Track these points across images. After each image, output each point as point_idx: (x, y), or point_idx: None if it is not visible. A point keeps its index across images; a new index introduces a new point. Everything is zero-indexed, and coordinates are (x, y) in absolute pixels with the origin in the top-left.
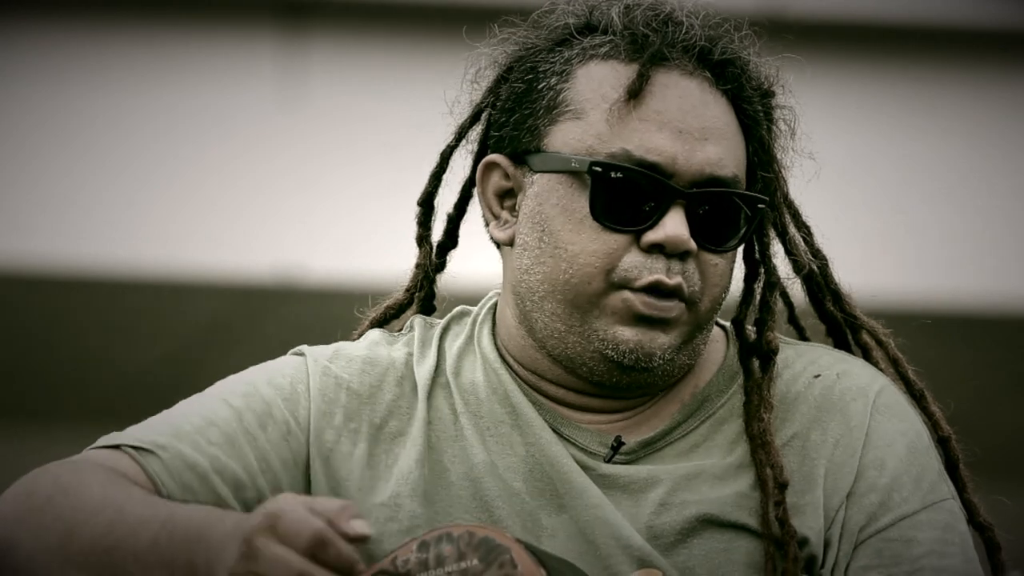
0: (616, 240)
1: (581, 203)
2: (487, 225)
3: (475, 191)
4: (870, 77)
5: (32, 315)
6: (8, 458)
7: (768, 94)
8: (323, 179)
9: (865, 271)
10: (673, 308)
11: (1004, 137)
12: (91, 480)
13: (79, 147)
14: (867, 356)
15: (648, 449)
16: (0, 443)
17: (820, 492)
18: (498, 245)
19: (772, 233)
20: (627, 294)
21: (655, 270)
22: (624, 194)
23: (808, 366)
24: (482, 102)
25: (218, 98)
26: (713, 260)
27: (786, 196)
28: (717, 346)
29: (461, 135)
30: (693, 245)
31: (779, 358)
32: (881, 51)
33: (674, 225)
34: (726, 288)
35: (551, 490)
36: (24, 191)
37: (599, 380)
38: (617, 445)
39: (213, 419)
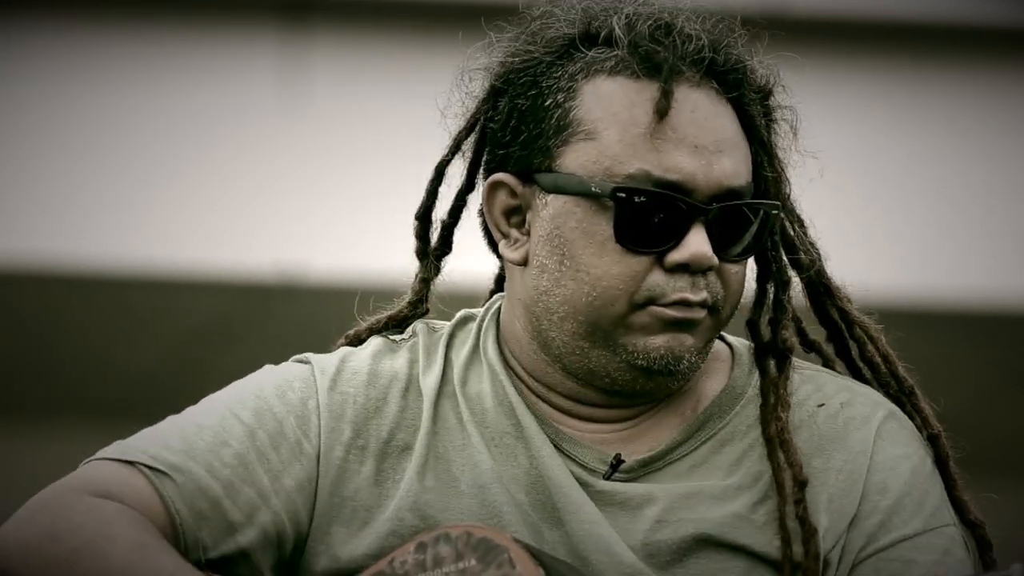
0: (640, 262)
1: (602, 226)
2: (488, 241)
3: (481, 209)
4: (871, 75)
5: (32, 315)
6: (8, 458)
7: (768, 94)
8: (324, 178)
9: (864, 269)
10: (700, 312)
11: (1004, 135)
12: (119, 539)
13: (79, 147)
14: (861, 351)
15: (647, 468)
16: (0, 443)
17: (823, 516)
18: (498, 256)
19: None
20: (654, 308)
21: (679, 288)
22: (646, 216)
23: (813, 394)
24: (477, 113)
25: (218, 98)
26: (732, 268)
27: (787, 195)
28: (722, 365)
29: (457, 147)
30: (716, 260)
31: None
32: (881, 49)
33: (698, 243)
34: (743, 291)
35: (550, 504)
36: (24, 191)
37: (619, 388)
38: (616, 463)
39: (225, 438)
